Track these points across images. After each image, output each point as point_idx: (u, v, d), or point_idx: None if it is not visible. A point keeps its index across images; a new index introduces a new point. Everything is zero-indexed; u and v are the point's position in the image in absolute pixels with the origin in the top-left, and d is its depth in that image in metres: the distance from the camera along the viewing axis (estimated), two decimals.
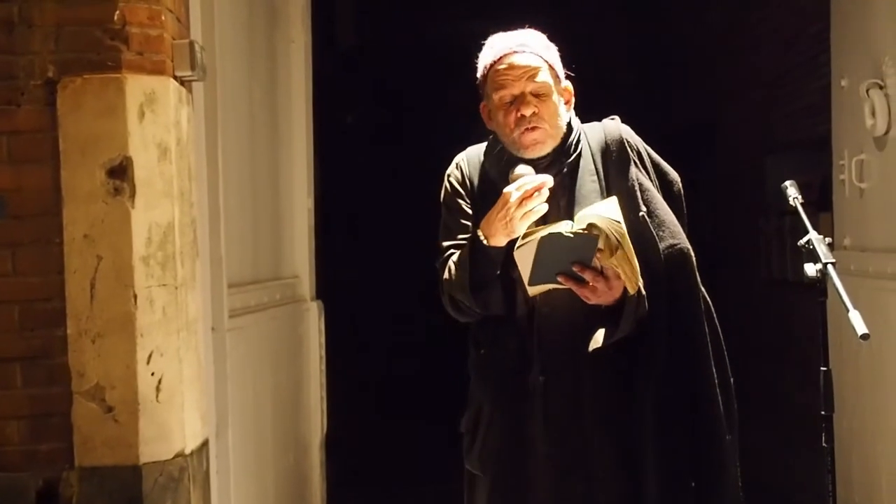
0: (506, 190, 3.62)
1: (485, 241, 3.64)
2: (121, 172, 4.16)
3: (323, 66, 8.21)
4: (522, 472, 3.74)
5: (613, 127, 3.87)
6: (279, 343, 6.04)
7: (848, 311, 3.66)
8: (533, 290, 3.63)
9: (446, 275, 3.77)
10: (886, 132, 5.70)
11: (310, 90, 6.66)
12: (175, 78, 4.35)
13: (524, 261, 3.55)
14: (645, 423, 3.68)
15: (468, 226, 3.80)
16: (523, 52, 3.74)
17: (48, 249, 4.17)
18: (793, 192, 4.11)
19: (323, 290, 6.91)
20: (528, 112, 3.70)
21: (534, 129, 3.70)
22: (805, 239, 3.88)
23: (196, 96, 4.70)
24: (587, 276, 3.56)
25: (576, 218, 3.58)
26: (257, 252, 5.82)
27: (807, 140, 7.56)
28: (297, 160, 6.54)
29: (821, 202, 6.88)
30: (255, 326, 5.55)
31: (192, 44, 4.43)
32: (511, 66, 3.72)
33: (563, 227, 3.53)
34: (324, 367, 6.72)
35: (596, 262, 3.55)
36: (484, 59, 3.80)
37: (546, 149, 3.74)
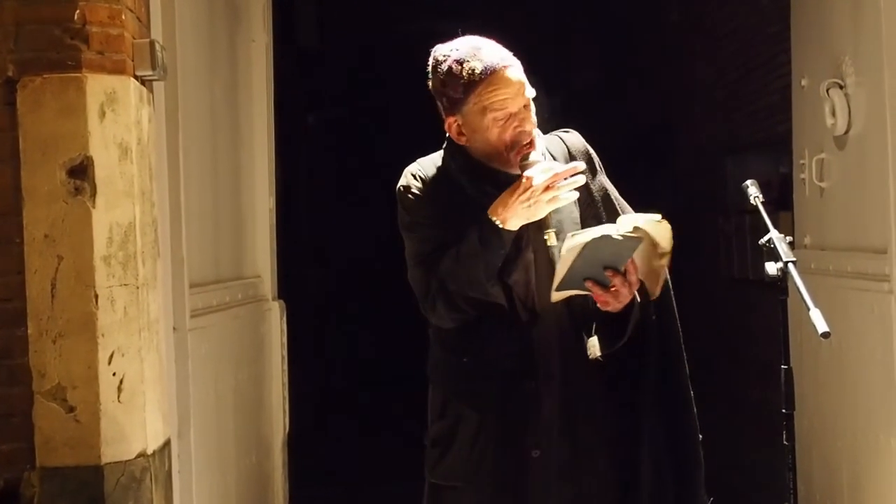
0: (528, 173, 3.54)
1: (500, 225, 3.55)
2: (81, 172, 4.14)
3: (284, 65, 8.20)
4: (515, 478, 3.69)
5: (576, 139, 3.85)
6: (241, 343, 6.03)
7: (809, 309, 3.67)
8: (556, 297, 3.59)
9: (442, 271, 3.61)
10: (846, 132, 5.73)
11: (271, 90, 6.64)
12: (136, 77, 4.34)
13: (560, 265, 3.52)
14: (637, 426, 3.72)
15: (444, 229, 3.67)
16: (512, 65, 3.64)
17: (8, 249, 4.15)
18: (753, 191, 4.12)
19: (285, 290, 6.90)
20: (529, 128, 3.63)
21: (530, 144, 3.63)
22: (766, 238, 3.90)
23: (157, 96, 4.69)
24: (616, 281, 3.53)
25: (618, 221, 3.55)
26: (219, 252, 5.80)
27: (767, 139, 7.60)
28: (258, 160, 6.52)
29: (781, 201, 6.92)
30: (217, 326, 5.54)
31: (152, 43, 4.41)
32: (508, 84, 3.60)
33: (610, 229, 3.49)
34: (286, 366, 6.70)
35: (629, 266, 3.54)
36: (460, 76, 3.62)
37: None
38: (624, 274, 3.54)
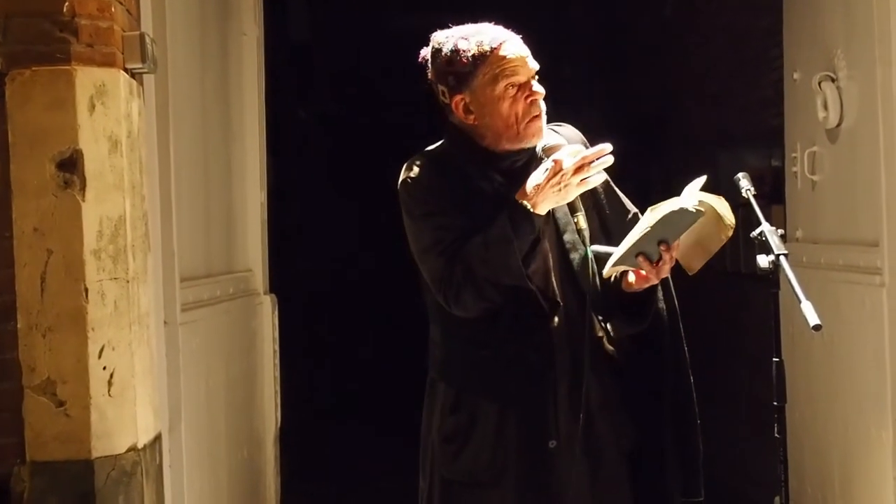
0: (556, 156, 3.55)
1: (531, 209, 3.56)
2: (71, 165, 4.13)
3: (276, 59, 8.19)
4: (538, 470, 3.68)
5: (572, 132, 3.87)
6: (232, 337, 6.02)
7: (800, 302, 3.67)
8: (610, 272, 3.63)
9: (470, 259, 3.57)
10: (838, 125, 5.73)
11: (262, 83, 6.63)
12: (125, 70, 4.32)
13: (628, 238, 3.55)
14: (653, 413, 3.78)
15: (459, 216, 3.64)
16: (515, 39, 3.68)
17: None
18: (745, 184, 4.12)
19: (277, 284, 6.89)
20: (540, 96, 3.65)
21: (540, 115, 3.66)
22: (758, 231, 3.90)
23: (147, 89, 4.67)
24: (667, 256, 3.56)
25: (685, 193, 3.56)
26: (210, 245, 5.79)
27: (759, 133, 7.59)
28: (249, 153, 6.51)
29: (773, 194, 6.91)
30: (208, 320, 5.53)
31: (142, 36, 4.39)
32: (517, 51, 3.65)
33: (684, 202, 3.51)
34: (277, 360, 6.69)
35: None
36: (467, 49, 3.64)
37: (542, 135, 3.70)
38: (670, 249, 3.57)
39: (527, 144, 3.68)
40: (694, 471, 3.85)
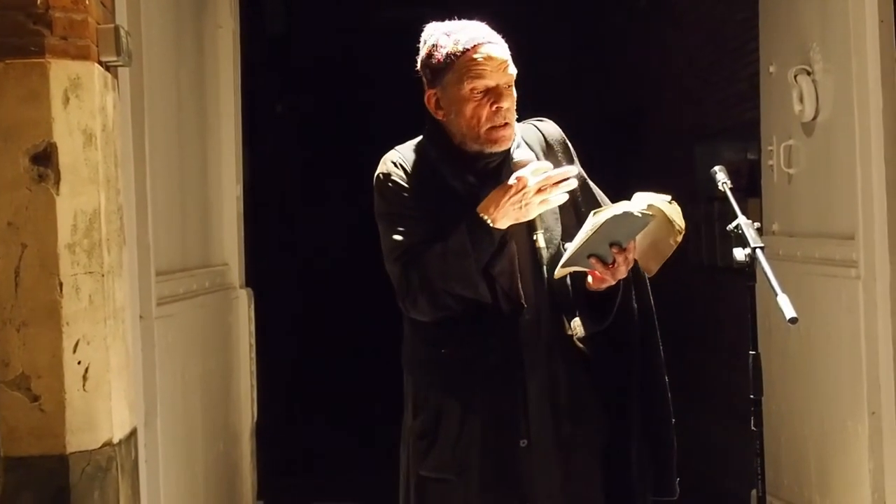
0: (520, 173, 3.54)
1: (490, 223, 3.55)
2: (45, 159, 4.11)
3: (252, 52, 8.16)
4: (505, 469, 3.67)
5: (552, 127, 3.84)
6: (208, 331, 6.00)
7: (776, 295, 3.68)
8: (561, 273, 3.61)
9: (428, 267, 3.58)
10: (814, 118, 5.75)
11: (238, 77, 6.61)
12: (100, 63, 4.30)
13: (575, 240, 3.55)
14: (620, 412, 3.74)
15: (425, 221, 3.65)
16: (497, 43, 3.64)
17: None
18: (722, 178, 4.12)
19: (253, 278, 6.88)
20: (506, 105, 3.60)
21: (505, 125, 3.62)
22: (734, 224, 3.90)
23: (122, 82, 4.65)
24: (619, 258, 3.55)
25: (633, 198, 3.56)
26: (186, 239, 5.77)
27: (736, 126, 7.61)
28: (225, 147, 6.49)
29: (749, 188, 6.93)
30: (184, 314, 5.51)
31: (117, 28, 4.37)
32: (489, 57, 3.60)
33: (630, 206, 3.51)
34: (254, 355, 6.68)
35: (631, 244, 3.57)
36: (444, 46, 3.64)
37: (509, 144, 3.66)
38: (624, 251, 3.56)
39: (490, 150, 3.65)
40: (666, 469, 3.82)
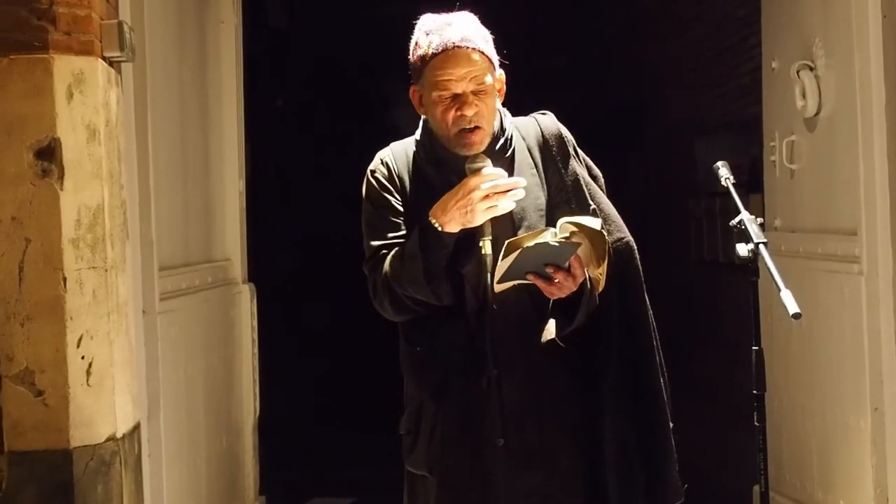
0: (471, 179, 3.55)
1: (439, 228, 3.56)
2: (49, 154, 4.11)
3: (254, 48, 8.16)
4: (478, 468, 3.67)
5: (550, 121, 3.82)
6: (211, 326, 6.00)
7: (779, 290, 3.68)
8: (499, 288, 3.58)
9: (387, 271, 3.64)
10: (817, 113, 5.74)
11: (240, 72, 6.61)
12: (104, 58, 4.31)
13: (500, 263, 3.51)
14: (601, 413, 3.70)
15: (399, 223, 3.70)
16: (466, 47, 3.60)
17: None
18: (724, 173, 4.12)
19: (256, 273, 6.88)
20: (469, 112, 3.59)
21: (474, 129, 3.61)
22: (737, 219, 3.90)
23: (125, 77, 4.66)
24: (559, 276, 3.52)
25: (558, 224, 3.54)
26: (188, 234, 5.78)
27: (738, 121, 7.61)
28: (227, 142, 6.49)
29: (751, 183, 6.92)
30: (187, 309, 5.51)
31: (120, 24, 4.38)
32: (455, 65, 3.58)
33: (548, 236, 3.49)
34: (256, 349, 6.68)
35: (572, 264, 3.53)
36: (421, 46, 3.65)
37: (482, 147, 3.65)
38: (568, 269, 3.53)
39: (461, 153, 3.64)
40: (662, 477, 3.75)
